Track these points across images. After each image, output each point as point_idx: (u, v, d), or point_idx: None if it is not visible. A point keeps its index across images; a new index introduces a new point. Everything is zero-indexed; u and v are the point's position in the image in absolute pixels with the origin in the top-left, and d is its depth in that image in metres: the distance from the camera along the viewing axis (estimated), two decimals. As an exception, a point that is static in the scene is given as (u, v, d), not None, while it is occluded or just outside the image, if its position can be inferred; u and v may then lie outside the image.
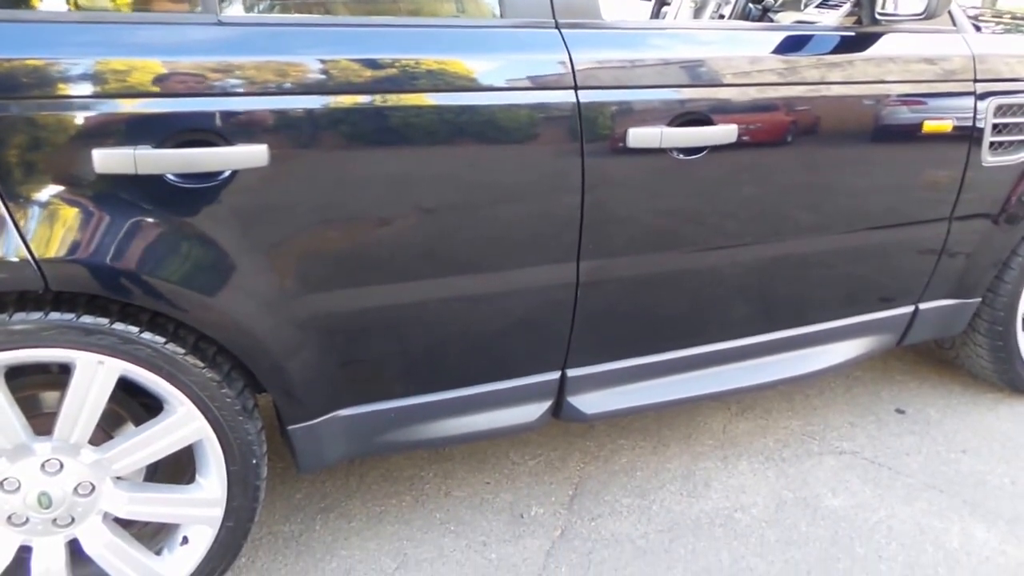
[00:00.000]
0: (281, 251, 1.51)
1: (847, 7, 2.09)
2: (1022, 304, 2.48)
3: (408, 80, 1.52)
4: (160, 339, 1.49)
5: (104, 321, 1.44)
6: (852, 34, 1.99)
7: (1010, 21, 2.74)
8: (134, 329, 1.47)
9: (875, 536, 2.07)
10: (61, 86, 1.32)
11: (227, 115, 1.40)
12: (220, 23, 1.42)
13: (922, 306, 2.35)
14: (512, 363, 1.87)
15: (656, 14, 2.93)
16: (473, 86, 1.57)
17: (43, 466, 1.52)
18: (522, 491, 2.21)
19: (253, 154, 1.41)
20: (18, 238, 1.32)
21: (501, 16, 1.63)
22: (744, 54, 1.83)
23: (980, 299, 2.43)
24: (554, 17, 1.66)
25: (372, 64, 1.50)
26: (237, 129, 1.40)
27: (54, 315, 1.41)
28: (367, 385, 1.74)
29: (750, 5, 2.38)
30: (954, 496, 2.23)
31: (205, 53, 1.40)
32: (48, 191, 1.34)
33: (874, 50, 1.98)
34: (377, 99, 1.50)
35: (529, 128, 1.61)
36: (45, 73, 1.31)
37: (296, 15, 1.69)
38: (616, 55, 1.69)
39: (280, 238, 1.50)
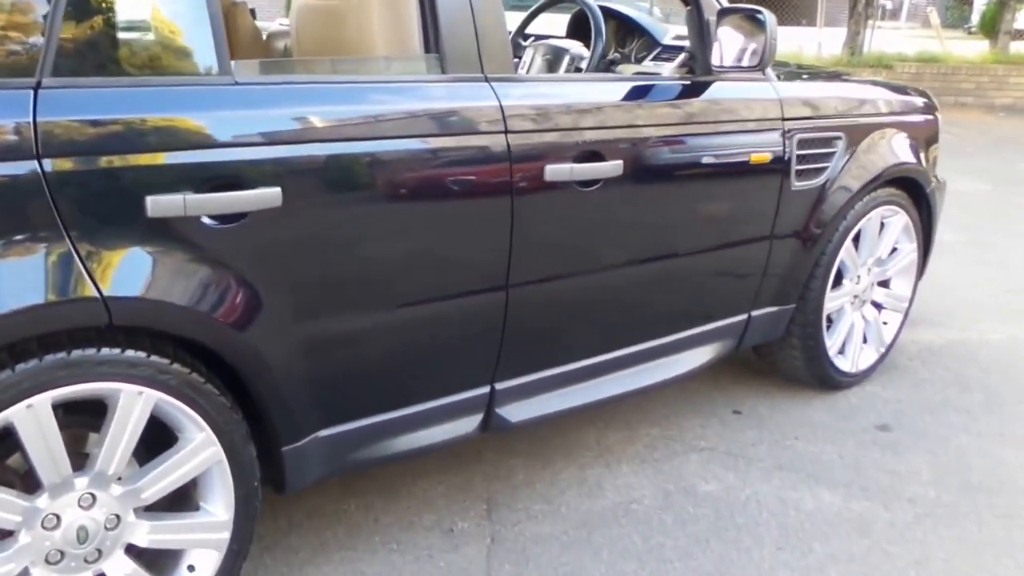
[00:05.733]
0: (292, 283, 1.98)
1: (680, 59, 2.88)
2: (825, 309, 3.37)
3: (378, 127, 2.07)
4: (185, 369, 1.90)
5: (143, 354, 1.83)
6: (688, 82, 2.76)
7: (795, 70, 3.71)
8: (165, 361, 1.87)
9: (748, 509, 2.80)
10: (115, 143, 1.73)
11: (253, 163, 1.87)
12: (236, 83, 1.90)
13: (754, 313, 3.16)
14: (453, 380, 2.41)
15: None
16: (436, 132, 2.14)
17: (79, 500, 1.85)
18: (442, 511, 2.72)
19: (271, 195, 1.88)
20: (87, 277, 1.71)
21: (443, 72, 2.22)
22: (616, 101, 2.53)
23: (794, 305, 3.28)
24: (483, 71, 2.27)
25: (357, 115, 2.04)
26: (259, 175, 1.88)
27: (104, 350, 1.78)
28: (339, 407, 2.21)
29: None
30: (799, 472, 3.02)
31: (227, 109, 1.87)
32: (109, 235, 1.74)
33: (709, 96, 2.76)
34: (363, 147, 2.03)
35: (477, 163, 2.21)
36: (102, 132, 1.72)
37: (301, 75, 2.18)
38: (534, 102, 2.33)
39: (293, 271, 1.97)
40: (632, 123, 2.53)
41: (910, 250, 3.64)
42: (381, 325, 2.18)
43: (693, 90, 2.74)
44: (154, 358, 1.85)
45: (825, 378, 3.52)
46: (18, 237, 1.66)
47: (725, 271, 2.99)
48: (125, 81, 1.79)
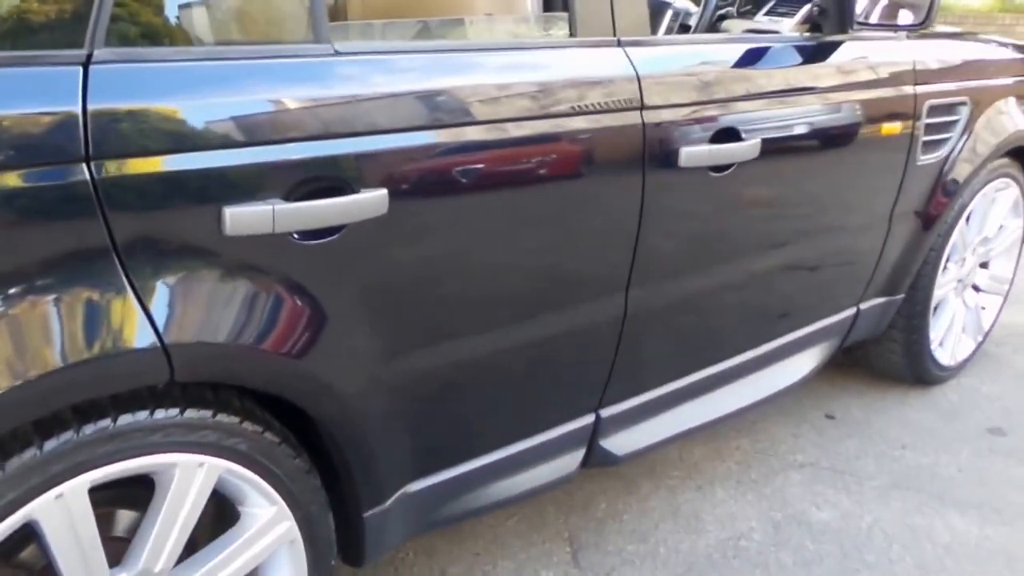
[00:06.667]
0: (394, 310, 1.52)
1: (802, 14, 2.43)
2: (934, 297, 2.97)
3: (505, 107, 1.61)
4: (258, 428, 1.45)
5: (207, 413, 1.38)
6: (815, 43, 2.32)
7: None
8: (235, 419, 1.41)
9: (875, 542, 2.42)
10: (189, 137, 1.26)
11: (357, 159, 1.41)
12: (337, 53, 1.42)
13: (862, 307, 2.76)
14: (559, 408, 1.99)
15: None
16: (568, 111, 1.68)
17: (114, 610, 1.40)
18: (519, 556, 2.30)
19: (376, 200, 1.42)
20: (146, 320, 1.24)
21: (572, 35, 1.76)
22: (757, 68, 2.09)
23: (903, 295, 2.88)
24: (615, 34, 1.81)
25: (484, 92, 1.57)
26: (364, 174, 1.41)
27: (159, 413, 1.33)
28: (433, 453, 1.78)
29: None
30: (920, 491, 2.64)
31: (326, 88, 1.40)
32: (173, 263, 1.27)
33: (844, 58, 2.32)
34: (485, 133, 1.57)
35: (602, 150, 1.76)
36: (173, 122, 1.25)
37: (412, 42, 1.70)
38: (674, 71, 1.88)
39: (396, 295, 1.52)
40: (775, 94, 2.10)
41: (1016, 227, 3.27)
42: (492, 349, 1.75)
43: (825, 52, 2.30)
44: (221, 417, 1.39)
45: (923, 373, 3.15)
46: (55, 271, 1.19)
47: (843, 260, 2.58)
48: (199, 52, 1.31)
